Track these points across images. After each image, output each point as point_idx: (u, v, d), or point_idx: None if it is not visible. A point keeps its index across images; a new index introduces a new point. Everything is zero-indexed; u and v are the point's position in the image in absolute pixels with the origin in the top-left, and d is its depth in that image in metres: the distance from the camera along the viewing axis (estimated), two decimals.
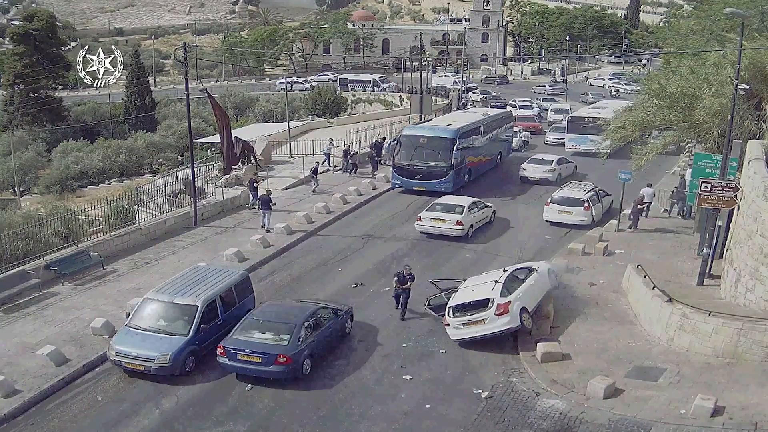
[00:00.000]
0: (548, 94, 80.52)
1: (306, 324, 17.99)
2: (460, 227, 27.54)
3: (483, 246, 27.41)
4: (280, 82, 68.27)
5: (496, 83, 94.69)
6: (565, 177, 36.17)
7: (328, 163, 40.25)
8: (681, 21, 72.15)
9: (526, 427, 15.41)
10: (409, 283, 21.00)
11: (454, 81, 79.33)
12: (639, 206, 28.44)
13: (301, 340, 17.59)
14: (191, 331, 17.93)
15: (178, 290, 18.99)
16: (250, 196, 32.27)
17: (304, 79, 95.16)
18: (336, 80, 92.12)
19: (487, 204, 30.13)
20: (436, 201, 29.50)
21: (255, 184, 32.35)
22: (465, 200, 29.10)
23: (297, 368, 17.38)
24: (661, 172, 36.73)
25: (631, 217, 28.50)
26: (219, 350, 17.68)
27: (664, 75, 30.70)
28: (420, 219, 28.50)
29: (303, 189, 36.04)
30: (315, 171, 36.00)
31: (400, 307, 21.16)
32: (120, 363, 17.79)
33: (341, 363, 18.53)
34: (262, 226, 28.84)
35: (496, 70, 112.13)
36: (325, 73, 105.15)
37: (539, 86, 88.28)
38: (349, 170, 39.35)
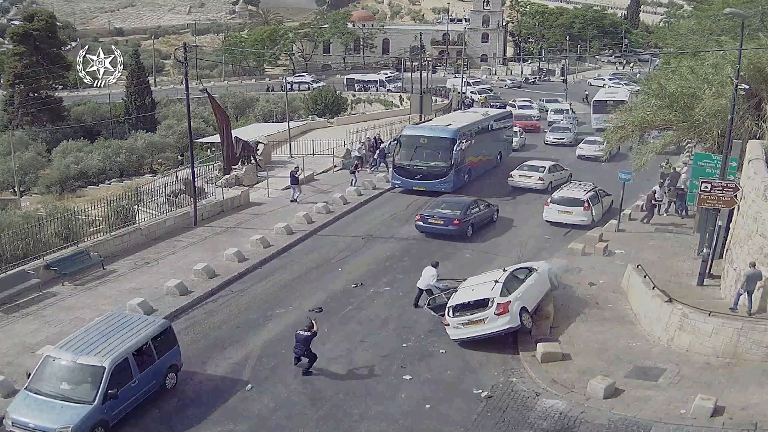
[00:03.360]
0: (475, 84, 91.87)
1: (470, 205, 28.51)
2: (541, 182, 34.87)
3: (483, 246, 27.45)
4: (287, 82, 68.44)
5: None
6: (614, 155, 39.31)
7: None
8: (681, 21, 72.17)
9: (526, 427, 15.42)
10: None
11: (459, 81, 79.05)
12: (653, 202, 29.20)
13: (467, 213, 27.92)
14: (97, 397, 15.03)
15: (84, 346, 15.93)
16: (296, 191, 33.44)
17: (312, 79, 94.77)
18: (316, 82, 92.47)
19: (564, 168, 37.34)
20: (524, 163, 37.06)
21: (296, 176, 33.70)
22: (546, 163, 36.69)
23: (464, 231, 27.72)
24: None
25: (643, 209, 29.56)
26: (416, 217, 28.67)
27: (663, 75, 30.70)
28: (511, 176, 35.55)
29: (303, 189, 35.98)
30: (356, 167, 36.88)
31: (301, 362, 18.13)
32: None
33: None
34: (292, 200, 33.09)
35: (496, 70, 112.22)
36: (301, 75, 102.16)
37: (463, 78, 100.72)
38: (372, 166, 40.05)
